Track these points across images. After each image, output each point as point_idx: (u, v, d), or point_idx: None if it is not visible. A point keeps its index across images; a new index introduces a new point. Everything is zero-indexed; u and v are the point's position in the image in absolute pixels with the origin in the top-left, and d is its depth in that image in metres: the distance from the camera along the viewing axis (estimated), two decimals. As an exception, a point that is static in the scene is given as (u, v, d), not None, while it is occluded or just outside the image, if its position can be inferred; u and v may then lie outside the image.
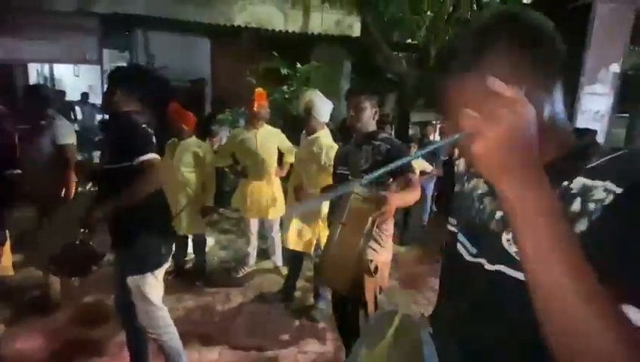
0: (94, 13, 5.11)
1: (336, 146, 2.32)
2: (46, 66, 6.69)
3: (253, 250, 3.22)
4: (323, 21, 5.66)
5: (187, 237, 3.10)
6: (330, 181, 2.10)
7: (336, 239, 1.38)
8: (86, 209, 1.57)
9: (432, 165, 3.99)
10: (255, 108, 2.91)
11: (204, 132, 4.12)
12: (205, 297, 2.80)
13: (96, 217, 1.54)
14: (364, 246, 1.33)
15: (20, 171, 1.85)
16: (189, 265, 3.17)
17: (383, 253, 1.79)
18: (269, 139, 2.98)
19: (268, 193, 3.01)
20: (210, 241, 3.55)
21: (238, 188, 3.11)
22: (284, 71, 4.90)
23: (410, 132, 5.68)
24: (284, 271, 3.20)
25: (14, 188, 1.85)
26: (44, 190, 2.30)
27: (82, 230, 1.54)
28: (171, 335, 1.80)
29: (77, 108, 6.68)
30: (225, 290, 2.90)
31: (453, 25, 4.95)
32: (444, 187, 4.43)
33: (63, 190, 2.40)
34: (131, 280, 1.65)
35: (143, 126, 1.68)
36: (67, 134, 2.18)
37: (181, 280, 2.98)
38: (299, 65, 4.93)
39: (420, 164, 3.72)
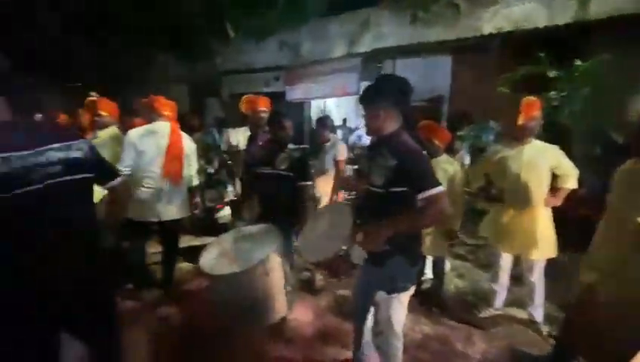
0: (358, 54, 6.20)
1: None
2: (321, 100, 8.86)
3: (502, 289, 2.68)
4: (611, 1, 4.17)
5: (426, 258, 3.01)
6: None
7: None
8: (352, 227, 1.62)
9: None
10: (521, 121, 2.42)
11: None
12: (443, 328, 2.58)
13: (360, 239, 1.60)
14: None
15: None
16: (425, 286, 3.07)
17: None
18: (539, 158, 2.39)
19: (530, 226, 2.41)
20: (446, 266, 3.31)
21: (490, 214, 2.68)
22: (551, 73, 3.92)
23: None
24: (546, 329, 2.46)
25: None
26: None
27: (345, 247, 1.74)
28: None
29: (339, 131, 8.41)
30: (466, 329, 2.55)
31: None
32: None
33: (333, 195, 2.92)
34: (381, 297, 1.68)
35: (424, 152, 1.55)
36: (343, 153, 2.64)
37: (417, 300, 2.91)
38: (579, 62, 3.79)
39: None
